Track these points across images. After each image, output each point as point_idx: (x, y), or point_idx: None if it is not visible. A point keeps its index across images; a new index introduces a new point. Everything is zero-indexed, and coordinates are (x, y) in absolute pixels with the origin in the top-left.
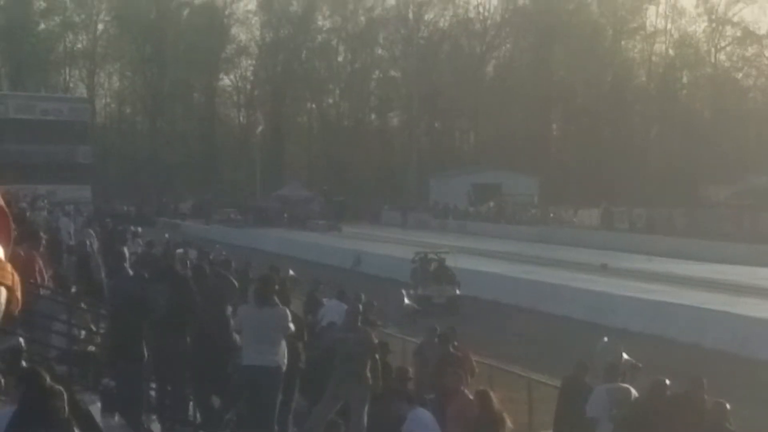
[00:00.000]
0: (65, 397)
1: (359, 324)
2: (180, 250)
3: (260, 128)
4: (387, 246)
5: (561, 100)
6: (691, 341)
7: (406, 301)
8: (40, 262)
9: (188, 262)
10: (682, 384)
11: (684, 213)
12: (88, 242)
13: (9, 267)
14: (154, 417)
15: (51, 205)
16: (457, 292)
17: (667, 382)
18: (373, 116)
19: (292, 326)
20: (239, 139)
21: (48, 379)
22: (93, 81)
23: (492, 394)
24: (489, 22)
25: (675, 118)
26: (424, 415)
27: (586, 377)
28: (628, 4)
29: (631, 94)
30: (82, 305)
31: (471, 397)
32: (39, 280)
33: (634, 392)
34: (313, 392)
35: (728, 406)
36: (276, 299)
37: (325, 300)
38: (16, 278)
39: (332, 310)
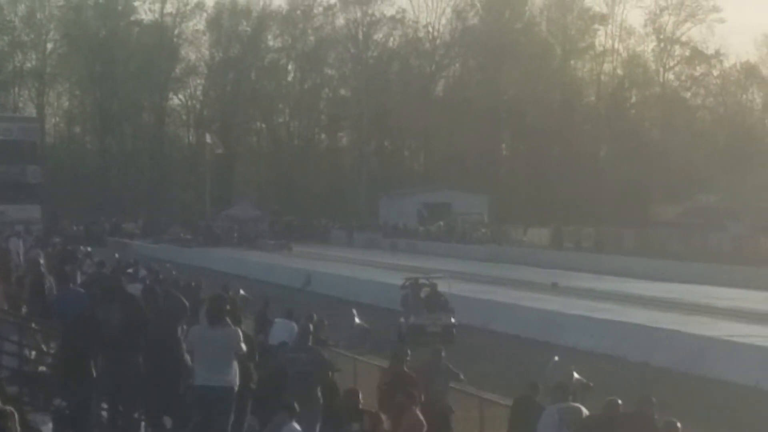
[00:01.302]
0: (16, 417)
1: (310, 343)
2: (129, 270)
3: (219, 150)
4: (337, 265)
5: (511, 119)
6: (641, 359)
7: (357, 320)
8: None
9: (136, 282)
10: (631, 402)
11: (634, 232)
12: (41, 261)
13: None
14: None
15: (0, 225)
16: (452, 320)
17: (620, 401)
18: (323, 135)
19: (244, 346)
20: (189, 158)
21: None
22: (42, 100)
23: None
24: (438, 41)
25: (624, 137)
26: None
27: (537, 397)
28: (577, 23)
29: (580, 113)
30: (33, 325)
31: (420, 416)
32: None
33: (585, 411)
34: (265, 412)
35: (679, 424)
36: (228, 319)
37: (276, 320)
38: None
39: (281, 328)
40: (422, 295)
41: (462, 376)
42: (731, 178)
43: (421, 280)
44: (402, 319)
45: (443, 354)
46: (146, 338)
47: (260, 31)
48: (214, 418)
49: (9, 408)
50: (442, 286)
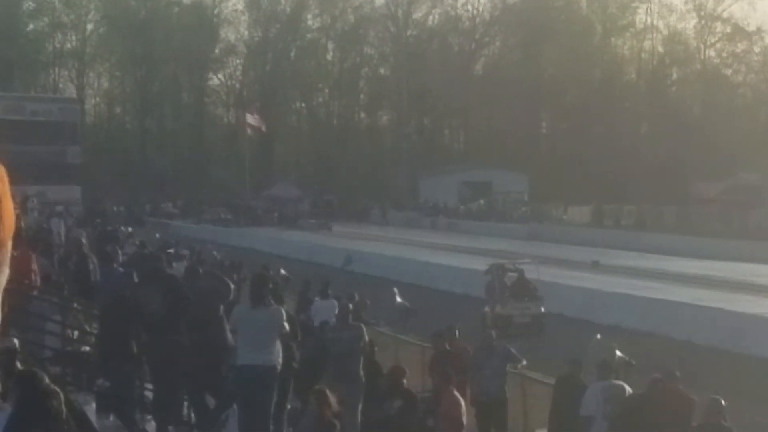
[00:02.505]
0: (62, 397)
1: (351, 322)
2: (170, 250)
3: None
4: (378, 244)
5: (551, 98)
6: (684, 338)
7: (398, 299)
8: (35, 264)
9: (174, 263)
10: (673, 382)
11: (674, 210)
12: (84, 242)
13: None
14: (149, 417)
15: (41, 205)
16: (542, 309)
17: (662, 379)
18: (362, 115)
19: (287, 325)
20: (229, 138)
21: (46, 379)
22: (82, 81)
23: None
24: (478, 19)
25: (665, 115)
26: None
27: (580, 375)
28: (618, 1)
29: (620, 91)
30: (75, 305)
31: (456, 396)
32: (34, 280)
33: (628, 389)
34: (307, 392)
35: (724, 402)
36: (270, 299)
37: (316, 299)
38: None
39: (322, 307)
40: (509, 282)
41: (524, 362)
42: None
43: (507, 266)
44: (486, 309)
45: (494, 335)
46: (189, 319)
47: (299, 10)
48: (257, 397)
49: (55, 387)
50: (530, 273)
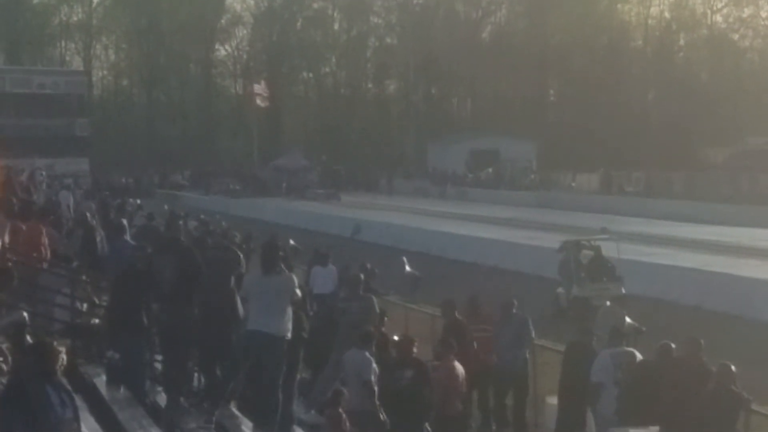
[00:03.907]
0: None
1: (361, 292)
2: (180, 222)
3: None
4: (386, 213)
5: (558, 65)
6: (693, 304)
7: (407, 268)
8: (45, 237)
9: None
10: (679, 346)
11: (682, 176)
12: (88, 215)
13: None
14: (159, 389)
15: (49, 178)
16: (623, 290)
17: (672, 345)
18: (370, 84)
19: (299, 292)
20: (236, 109)
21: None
22: (89, 53)
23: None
24: None
25: (672, 81)
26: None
27: (591, 342)
28: None
29: (627, 57)
30: (84, 278)
31: (456, 366)
32: (44, 253)
33: (638, 355)
34: (317, 361)
35: (733, 368)
36: (282, 266)
37: (314, 268)
38: None
39: (320, 275)
40: (584, 261)
41: (533, 334)
42: None
43: (583, 242)
44: (560, 290)
45: (515, 303)
46: (201, 289)
47: None
48: (265, 366)
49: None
50: (608, 250)
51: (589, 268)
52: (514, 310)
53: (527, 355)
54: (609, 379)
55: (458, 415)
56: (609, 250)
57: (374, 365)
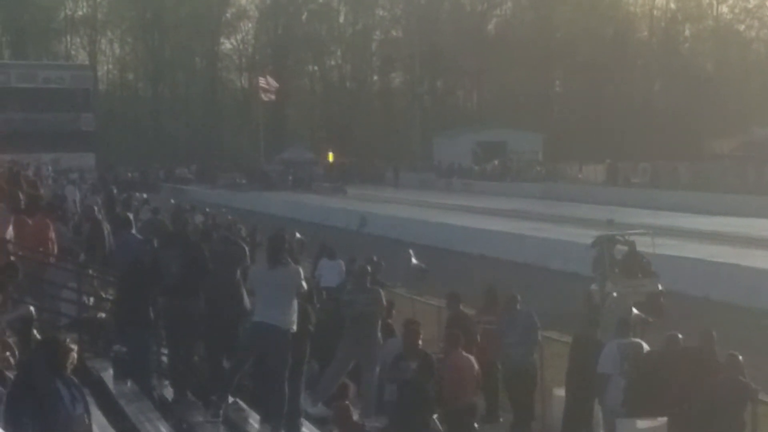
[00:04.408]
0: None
1: (368, 285)
2: (186, 216)
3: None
4: (393, 206)
5: (563, 57)
6: (700, 294)
7: (414, 261)
8: (53, 232)
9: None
10: (692, 337)
11: (689, 167)
12: (95, 209)
13: None
14: (166, 382)
15: (55, 173)
16: (659, 287)
17: (680, 336)
18: (375, 77)
19: (305, 284)
20: (241, 103)
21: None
22: (94, 48)
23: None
24: None
25: (678, 72)
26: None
27: (597, 333)
28: None
29: (633, 48)
30: (91, 272)
31: (467, 357)
32: (51, 248)
33: (645, 346)
34: (323, 354)
35: (741, 358)
36: (288, 258)
37: (321, 261)
38: None
39: (327, 268)
40: (618, 256)
41: (539, 325)
42: None
43: (617, 237)
44: (593, 286)
45: (518, 298)
46: (207, 283)
47: None
48: (269, 359)
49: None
50: (643, 245)
51: (624, 263)
52: (518, 306)
53: (535, 352)
54: (615, 371)
55: (469, 408)
56: (644, 245)
57: None
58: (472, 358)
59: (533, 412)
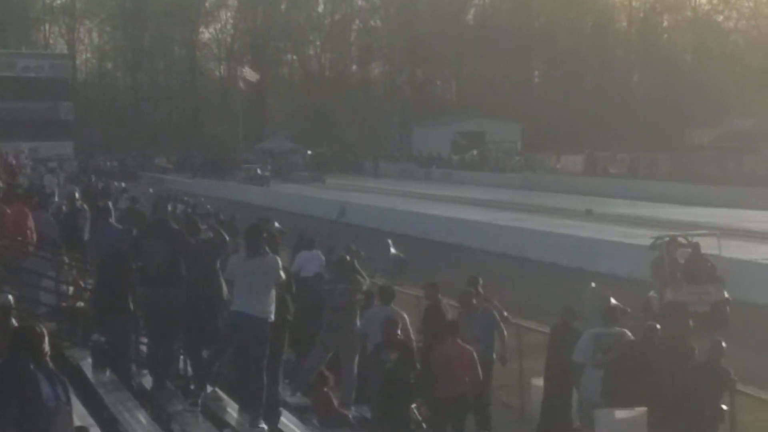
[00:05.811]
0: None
1: (347, 274)
2: (167, 205)
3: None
4: (372, 196)
5: (542, 46)
6: None
7: (392, 250)
8: (31, 221)
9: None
10: (703, 350)
11: (668, 157)
12: (77, 197)
13: None
14: (145, 372)
15: (33, 162)
16: (725, 294)
17: (658, 326)
18: (354, 67)
19: (283, 274)
20: (221, 92)
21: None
22: (73, 37)
23: None
24: None
25: (657, 63)
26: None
27: (575, 323)
28: None
29: (612, 39)
30: (67, 260)
31: (462, 345)
32: (30, 237)
33: (629, 335)
34: (302, 345)
35: (724, 344)
36: (267, 248)
37: (301, 252)
38: None
39: (306, 259)
40: (681, 259)
41: (506, 313)
42: (765, 101)
43: (679, 239)
44: (652, 293)
45: (474, 293)
46: (188, 272)
47: None
48: (248, 348)
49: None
50: (708, 247)
51: (686, 268)
52: (474, 301)
53: (494, 347)
54: (588, 360)
55: (457, 398)
56: (709, 247)
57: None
58: (470, 349)
59: (490, 398)
